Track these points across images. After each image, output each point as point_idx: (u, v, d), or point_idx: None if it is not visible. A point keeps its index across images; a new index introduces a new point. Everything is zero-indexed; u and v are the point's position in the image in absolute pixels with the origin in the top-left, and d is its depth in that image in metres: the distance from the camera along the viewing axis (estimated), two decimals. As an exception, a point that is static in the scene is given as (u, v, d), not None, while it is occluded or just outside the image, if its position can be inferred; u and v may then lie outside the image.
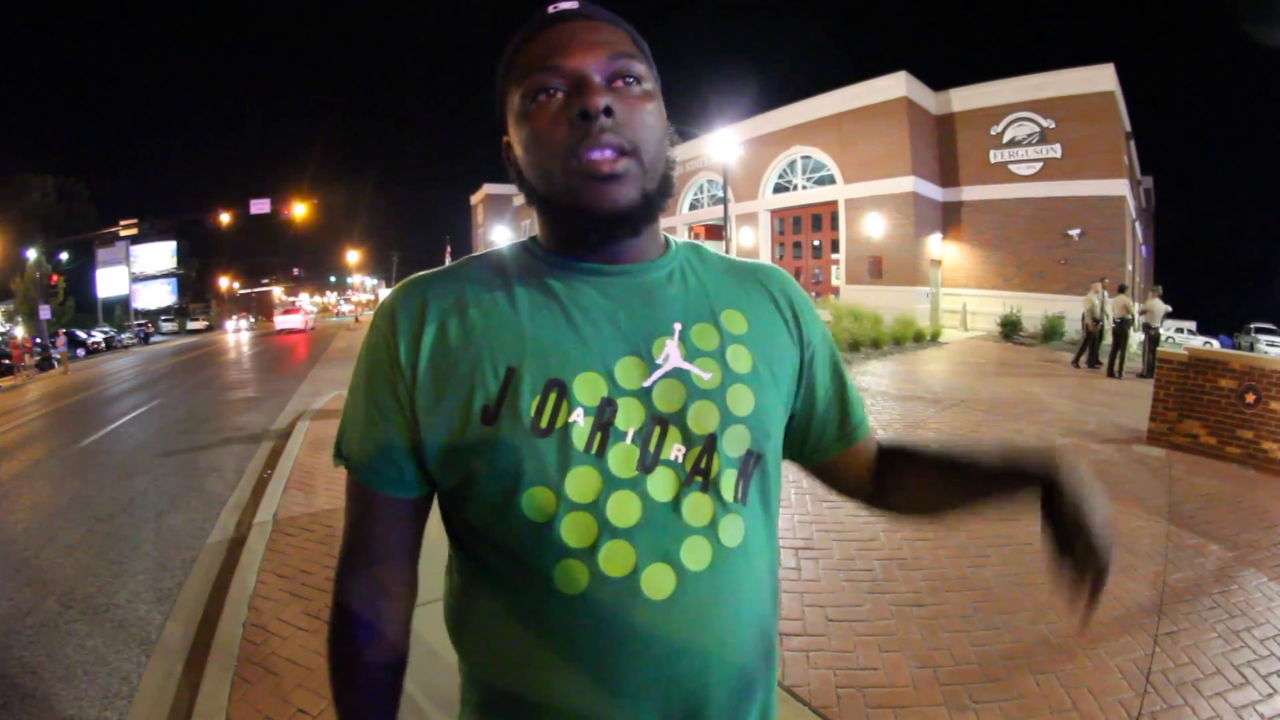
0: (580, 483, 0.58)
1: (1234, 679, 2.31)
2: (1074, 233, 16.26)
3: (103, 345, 28.04)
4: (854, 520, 3.70)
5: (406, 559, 0.68)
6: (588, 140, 0.58)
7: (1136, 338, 10.73)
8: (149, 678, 2.60)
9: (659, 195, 0.64)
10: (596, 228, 0.62)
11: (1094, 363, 10.58)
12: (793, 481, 4.25)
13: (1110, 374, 9.74)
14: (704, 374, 0.63)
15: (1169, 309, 10.35)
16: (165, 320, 43.21)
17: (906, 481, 0.77)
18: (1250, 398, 5.13)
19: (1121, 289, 10.71)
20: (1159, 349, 6.66)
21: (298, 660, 2.49)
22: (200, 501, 4.85)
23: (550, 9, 0.64)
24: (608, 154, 0.59)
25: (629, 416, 0.60)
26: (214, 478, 5.51)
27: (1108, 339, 10.32)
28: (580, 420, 0.59)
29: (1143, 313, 10.30)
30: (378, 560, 0.66)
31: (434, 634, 2.36)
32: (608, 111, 0.59)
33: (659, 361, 0.62)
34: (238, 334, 37.41)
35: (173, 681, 2.55)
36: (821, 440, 0.77)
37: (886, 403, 7.29)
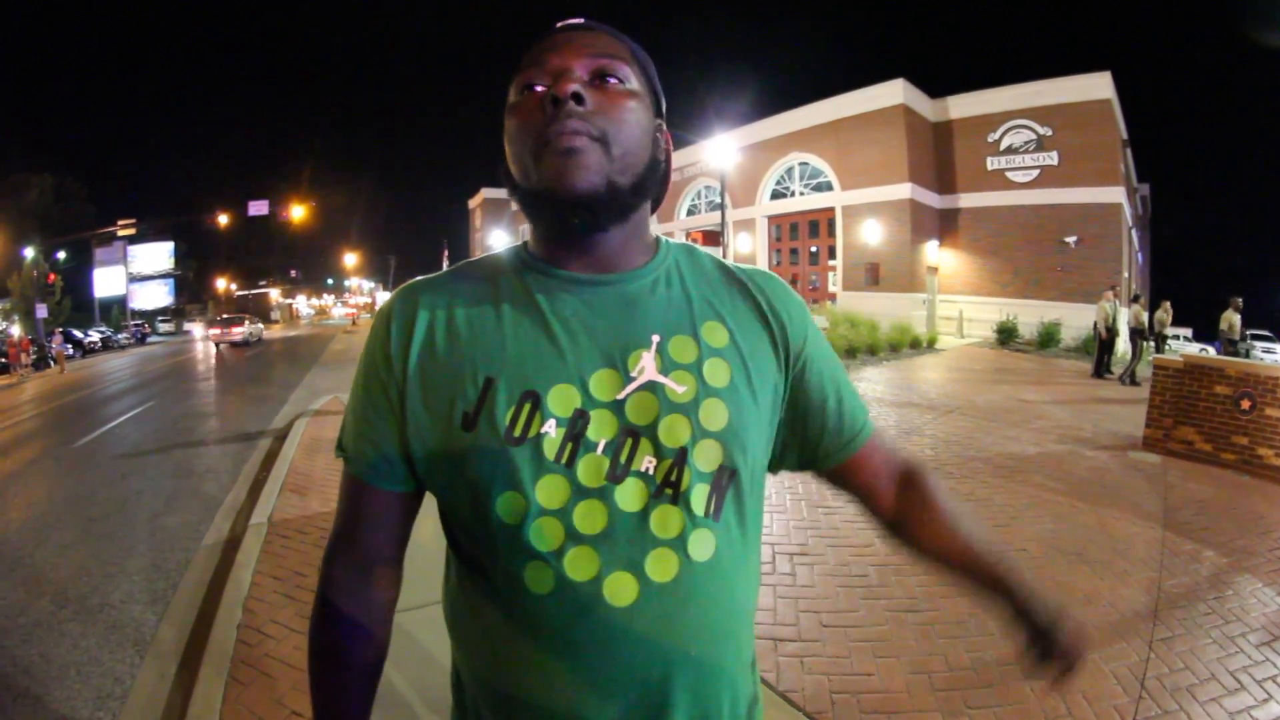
0: (549, 490, 0.60)
1: (1229, 684, 2.32)
2: (1070, 240, 16.31)
3: (99, 345, 27.97)
4: (849, 526, 3.70)
5: (392, 552, 0.71)
6: (555, 123, 0.60)
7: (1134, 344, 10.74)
8: (142, 679, 2.59)
9: (631, 193, 0.64)
10: (558, 208, 0.62)
11: (1103, 373, 10.39)
12: (788, 487, 4.25)
13: (1122, 380, 9.71)
14: (678, 387, 0.63)
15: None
16: (162, 321, 42.97)
17: (922, 536, 0.78)
18: (1245, 404, 5.15)
19: (1135, 299, 10.73)
20: (1155, 356, 6.68)
21: (291, 662, 2.48)
22: (196, 503, 4.84)
23: (558, 25, 0.67)
24: (573, 137, 0.60)
25: (601, 428, 0.61)
26: (210, 479, 5.50)
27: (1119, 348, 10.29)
28: (552, 431, 0.61)
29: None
30: (364, 551, 0.69)
31: (428, 637, 2.36)
32: (577, 98, 0.60)
33: (634, 374, 0.63)
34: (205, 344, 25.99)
35: (166, 683, 2.54)
36: (823, 448, 0.76)
37: (883, 409, 7.30)
